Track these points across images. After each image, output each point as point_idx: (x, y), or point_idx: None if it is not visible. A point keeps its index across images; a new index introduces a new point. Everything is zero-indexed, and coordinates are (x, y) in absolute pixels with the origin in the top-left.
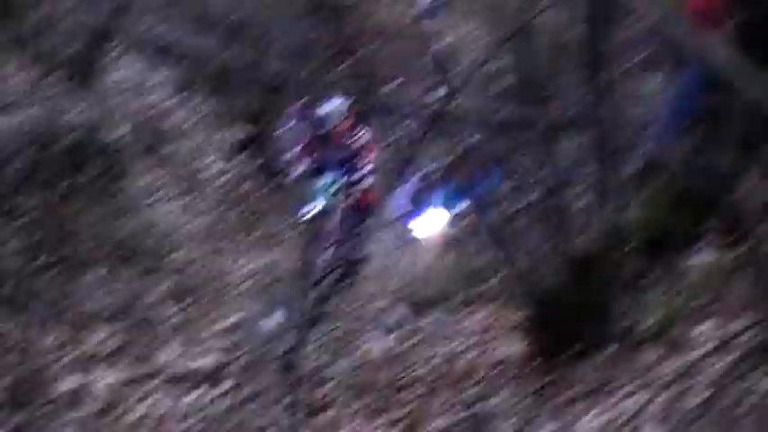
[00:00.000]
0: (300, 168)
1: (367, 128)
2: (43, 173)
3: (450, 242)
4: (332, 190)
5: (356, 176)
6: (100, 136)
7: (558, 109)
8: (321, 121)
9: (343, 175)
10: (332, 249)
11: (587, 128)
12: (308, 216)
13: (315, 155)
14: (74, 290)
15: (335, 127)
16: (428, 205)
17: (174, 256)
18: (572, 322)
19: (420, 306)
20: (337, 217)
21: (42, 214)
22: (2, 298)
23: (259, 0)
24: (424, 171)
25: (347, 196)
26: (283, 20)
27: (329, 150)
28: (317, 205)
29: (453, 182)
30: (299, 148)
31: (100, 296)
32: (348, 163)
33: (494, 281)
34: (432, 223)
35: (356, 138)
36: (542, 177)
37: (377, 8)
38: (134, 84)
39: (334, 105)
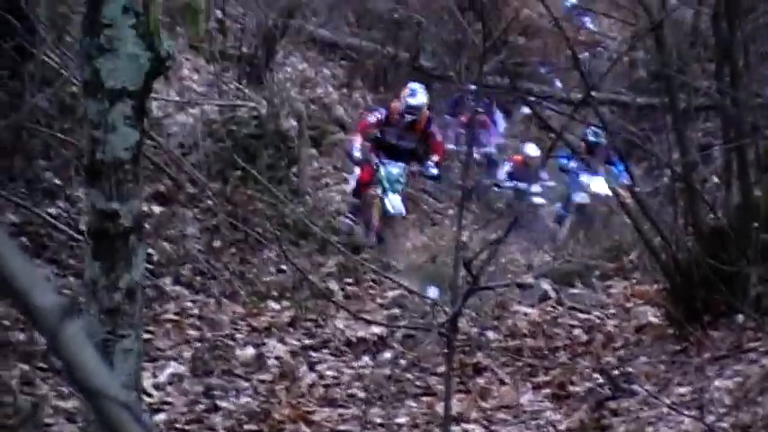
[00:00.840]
0: (357, 147)
1: (436, 127)
2: (220, 162)
3: (591, 221)
4: (399, 184)
5: (421, 174)
6: (272, 127)
7: (687, 97)
8: (411, 109)
9: (410, 168)
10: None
11: (715, 114)
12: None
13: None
14: (249, 268)
15: (419, 119)
16: (573, 188)
17: (338, 236)
18: (704, 293)
19: (563, 280)
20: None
21: (220, 200)
22: (184, 277)
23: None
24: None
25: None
26: (436, 18)
27: (404, 139)
28: (396, 206)
29: (590, 165)
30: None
31: (273, 274)
32: (413, 158)
33: (631, 256)
34: (574, 204)
35: (431, 133)
36: (675, 160)
37: (522, 6)
38: (302, 79)
39: (422, 96)
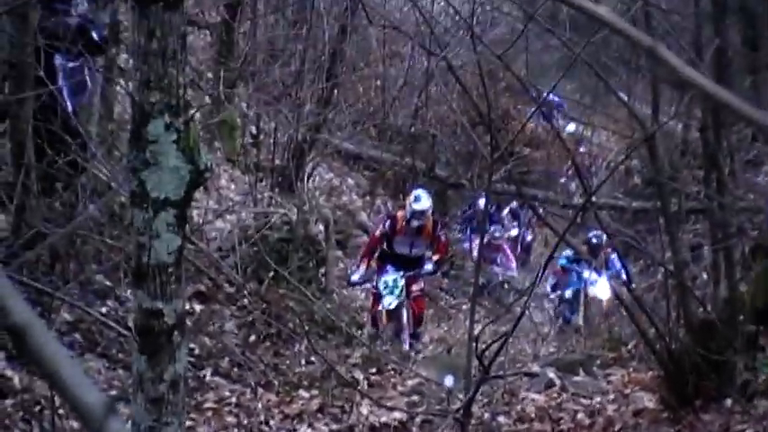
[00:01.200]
0: (360, 272)
1: (444, 230)
2: (255, 264)
3: (593, 314)
4: (397, 289)
5: (420, 276)
6: (301, 232)
7: (678, 202)
8: (416, 214)
9: (406, 274)
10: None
11: (704, 217)
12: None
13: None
14: (282, 360)
15: (425, 223)
16: (577, 283)
17: (363, 331)
18: (695, 379)
19: (567, 369)
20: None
21: (255, 299)
22: (223, 369)
23: (432, 116)
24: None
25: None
26: (450, 132)
27: (414, 246)
28: (389, 301)
29: (592, 264)
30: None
31: (303, 365)
32: (416, 263)
33: (629, 346)
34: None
35: (438, 236)
36: (668, 259)
37: (527, 122)
38: (328, 188)
39: (426, 201)
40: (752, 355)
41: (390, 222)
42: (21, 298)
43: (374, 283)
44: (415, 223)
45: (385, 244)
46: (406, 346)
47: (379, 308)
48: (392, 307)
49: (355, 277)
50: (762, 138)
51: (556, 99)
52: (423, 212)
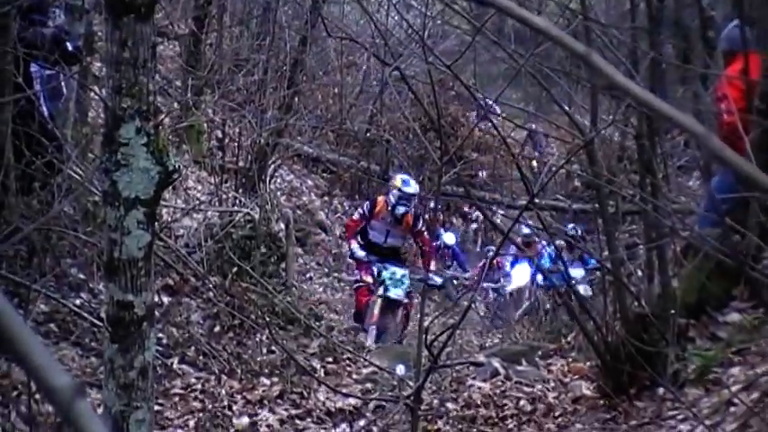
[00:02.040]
0: (356, 247)
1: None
2: (220, 260)
3: (535, 309)
4: (403, 284)
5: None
6: (263, 230)
7: (615, 204)
8: (406, 197)
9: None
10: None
11: (639, 218)
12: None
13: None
14: (244, 349)
15: (407, 213)
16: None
17: (321, 322)
18: (630, 369)
19: (510, 358)
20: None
21: (219, 292)
22: (189, 357)
23: (386, 122)
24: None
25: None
26: (403, 137)
27: (391, 235)
28: (397, 293)
29: (534, 261)
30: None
31: (264, 354)
32: (400, 257)
33: (569, 338)
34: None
35: (421, 231)
36: (605, 257)
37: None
38: (289, 189)
39: (415, 185)
40: (683, 347)
41: (369, 206)
42: None
43: (360, 276)
44: (400, 210)
45: (359, 236)
46: (371, 341)
47: (373, 298)
48: (399, 298)
49: (361, 253)
50: (692, 144)
51: (540, 130)
52: (412, 196)
